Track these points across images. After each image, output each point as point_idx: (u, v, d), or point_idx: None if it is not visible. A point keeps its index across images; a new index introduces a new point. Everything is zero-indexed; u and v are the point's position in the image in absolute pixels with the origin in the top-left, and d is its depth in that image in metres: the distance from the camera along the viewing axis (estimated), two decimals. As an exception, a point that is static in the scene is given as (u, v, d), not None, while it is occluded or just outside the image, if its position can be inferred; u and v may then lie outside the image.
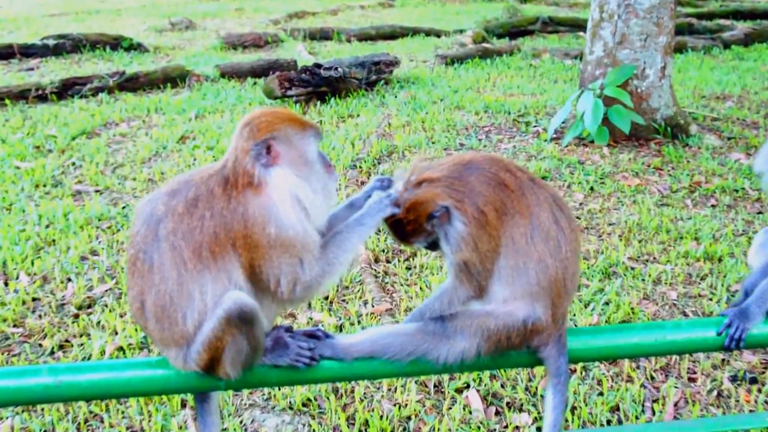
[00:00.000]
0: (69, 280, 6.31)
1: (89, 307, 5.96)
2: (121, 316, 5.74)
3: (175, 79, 13.36)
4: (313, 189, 2.55)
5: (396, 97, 12.07)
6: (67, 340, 5.49)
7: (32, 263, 6.53)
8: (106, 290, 6.20)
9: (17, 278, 6.33)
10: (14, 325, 5.67)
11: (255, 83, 13.27)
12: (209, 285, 2.36)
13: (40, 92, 12.24)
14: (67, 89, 12.50)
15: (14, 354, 5.32)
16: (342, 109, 11.35)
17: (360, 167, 8.71)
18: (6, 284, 6.23)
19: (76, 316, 5.80)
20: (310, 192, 2.53)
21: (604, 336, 2.76)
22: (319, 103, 11.71)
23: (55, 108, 11.76)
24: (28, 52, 16.16)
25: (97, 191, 8.40)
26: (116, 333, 5.51)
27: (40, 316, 5.78)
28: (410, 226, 2.63)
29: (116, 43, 16.93)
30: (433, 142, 9.55)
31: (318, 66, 12.09)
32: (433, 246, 2.66)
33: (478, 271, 2.59)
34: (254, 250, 2.41)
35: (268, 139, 2.50)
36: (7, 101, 11.85)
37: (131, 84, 13.01)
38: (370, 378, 2.96)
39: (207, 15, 23.46)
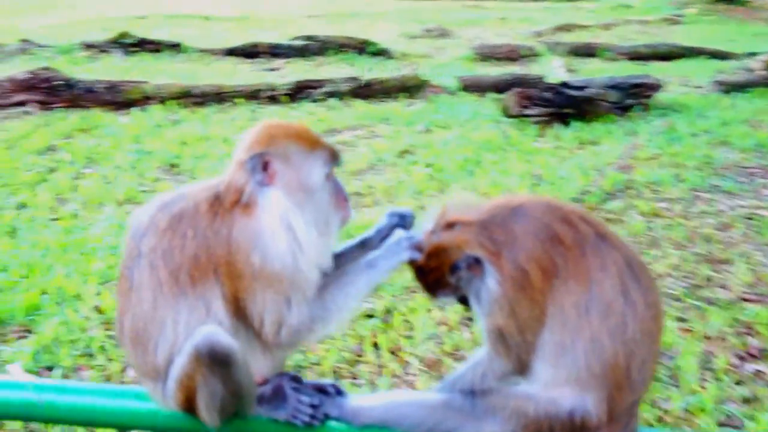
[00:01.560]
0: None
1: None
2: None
3: (411, 88, 13.58)
4: (310, 220, 2.31)
5: (650, 125, 11.37)
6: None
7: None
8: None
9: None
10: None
11: (496, 99, 13.16)
12: (184, 314, 2.20)
13: (272, 93, 12.98)
14: (299, 92, 13.14)
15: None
16: (584, 134, 10.87)
17: (584, 201, 8.26)
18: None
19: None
20: (304, 223, 2.30)
21: None
22: (559, 125, 11.33)
23: (283, 110, 12.39)
24: (274, 52, 17.30)
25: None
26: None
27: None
28: (432, 275, 2.33)
29: (362, 48, 17.62)
30: (680, 181, 8.84)
31: (564, 85, 11.72)
32: (467, 302, 2.34)
33: (516, 343, 2.22)
34: (237, 280, 2.22)
35: (266, 154, 2.31)
36: (238, 101, 12.68)
37: (365, 91, 13.41)
38: None
39: (466, 23, 23.79)
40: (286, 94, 12.99)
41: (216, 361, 2.13)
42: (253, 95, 12.94)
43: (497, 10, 27.20)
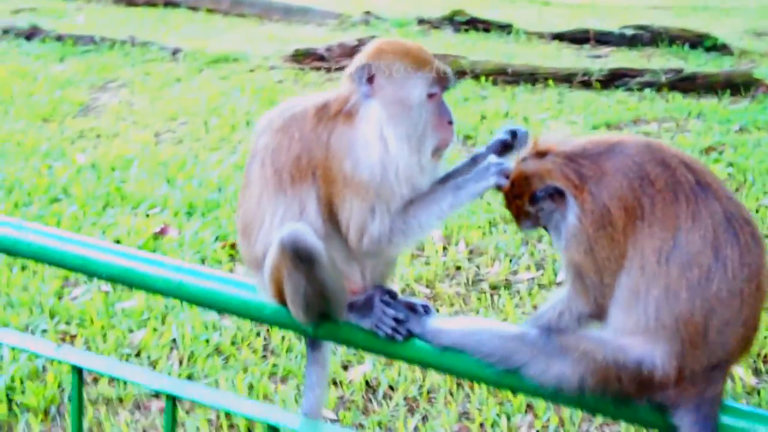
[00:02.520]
0: (498, 259, 6.62)
1: (505, 288, 6.19)
2: (517, 306, 5.84)
3: (738, 86, 12.70)
4: (403, 135, 2.34)
5: None
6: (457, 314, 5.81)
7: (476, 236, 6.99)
8: (529, 279, 6.36)
9: (456, 244, 6.86)
10: (426, 286, 6.19)
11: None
12: (281, 210, 2.33)
13: (585, 78, 12.81)
14: (614, 79, 12.82)
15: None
16: None
17: None
18: (444, 249, 6.81)
19: (483, 292, 6.09)
20: (397, 137, 2.33)
21: None
22: None
23: (593, 96, 12.21)
24: (602, 39, 16.96)
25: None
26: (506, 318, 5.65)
27: (452, 285, 6.21)
28: (515, 204, 2.26)
29: (698, 41, 16.71)
30: None
31: None
32: None
33: (593, 284, 2.09)
34: (331, 184, 2.31)
35: (371, 67, 2.36)
36: (550, 82, 12.68)
37: (685, 84, 12.76)
38: (456, 375, 2.60)
39: (827, 24, 21.63)
40: (600, 81, 12.75)
41: (299, 256, 2.27)
42: (566, 78, 12.86)
43: None
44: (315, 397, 2.69)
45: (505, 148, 2.55)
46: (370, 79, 2.42)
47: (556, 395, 2.15)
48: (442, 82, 2.47)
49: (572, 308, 2.21)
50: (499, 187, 2.35)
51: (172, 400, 2.52)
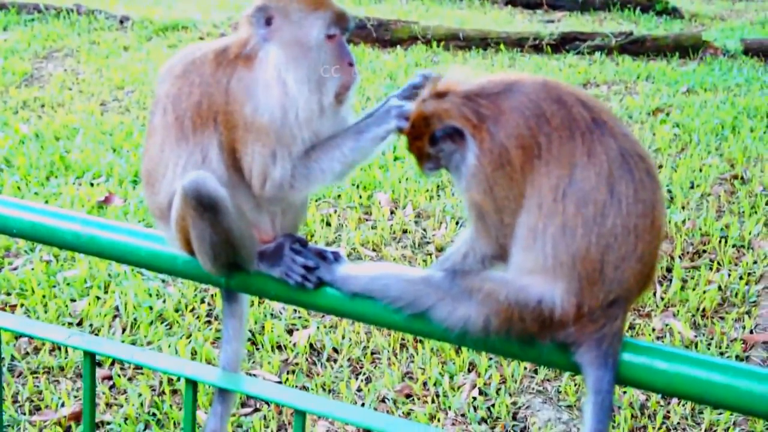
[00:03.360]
0: (445, 221, 6.63)
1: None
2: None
3: (687, 48, 12.80)
4: (303, 77, 2.32)
5: None
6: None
7: (423, 200, 7.00)
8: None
9: (404, 208, 6.86)
10: (373, 250, 6.19)
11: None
12: (184, 158, 2.31)
13: (537, 43, 12.83)
14: (565, 43, 12.87)
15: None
16: None
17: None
18: (392, 213, 6.80)
19: (429, 254, 6.11)
20: (296, 79, 2.31)
21: (678, 363, 2.01)
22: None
23: (544, 60, 12.24)
24: (555, 4, 17.00)
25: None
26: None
27: (398, 248, 6.21)
28: (415, 145, 2.25)
29: (649, 5, 16.80)
30: None
31: None
32: None
33: (494, 224, 2.11)
34: (233, 130, 2.29)
35: (269, 9, 2.35)
36: (502, 47, 12.68)
37: (635, 47, 12.84)
38: (366, 322, 2.59)
39: (777, -12, 21.86)
40: (550, 45, 12.79)
41: (202, 204, 2.23)
42: (518, 43, 12.88)
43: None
44: (233, 350, 2.67)
45: (417, 92, 2.51)
46: (268, 21, 2.38)
47: (463, 338, 2.15)
48: (340, 22, 2.42)
49: (476, 249, 2.22)
50: (400, 130, 2.34)
51: (91, 357, 2.50)
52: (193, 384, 2.45)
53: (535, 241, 2.08)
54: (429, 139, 2.24)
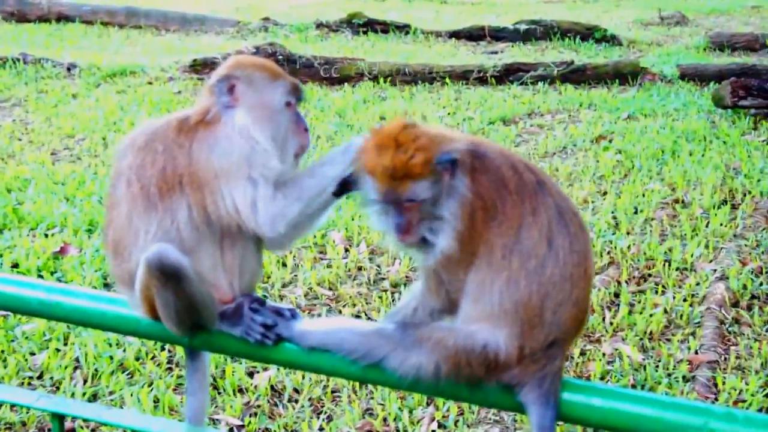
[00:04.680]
0: (398, 258, 6.76)
1: (405, 285, 6.33)
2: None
3: (626, 75, 13.20)
4: (270, 137, 2.48)
5: None
6: (359, 315, 5.93)
7: (376, 237, 7.13)
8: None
9: (358, 245, 6.99)
10: (329, 288, 6.29)
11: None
12: (154, 225, 2.43)
13: (481, 75, 13.12)
14: (509, 74, 13.18)
15: (317, 314, 5.93)
16: (806, 132, 10.13)
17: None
18: (346, 251, 6.92)
19: (384, 290, 6.23)
20: (265, 138, 2.47)
21: (612, 399, 2.20)
22: (779, 120, 10.61)
23: (489, 91, 12.52)
24: (497, 35, 17.40)
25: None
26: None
27: (354, 286, 6.33)
28: (413, 161, 2.26)
29: (588, 34, 17.26)
30: None
31: (790, 76, 10.94)
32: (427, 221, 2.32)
33: (448, 280, 2.27)
34: (201, 189, 2.42)
35: (232, 78, 2.50)
36: (447, 80, 12.93)
37: (577, 76, 13.20)
38: (324, 374, 2.75)
39: (711, 11, 22.60)
40: (495, 76, 13.08)
41: (165, 274, 2.35)
42: (463, 76, 13.15)
43: (752, -1, 25.48)
44: (197, 402, 2.77)
45: None
46: (231, 90, 2.52)
47: (416, 384, 2.29)
48: (296, 92, 2.60)
49: (425, 304, 2.36)
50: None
51: (59, 418, 2.57)
52: (160, 440, 2.54)
53: (482, 294, 2.25)
54: (426, 161, 2.27)
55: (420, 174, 2.27)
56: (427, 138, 2.32)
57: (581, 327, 2.36)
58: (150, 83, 12.53)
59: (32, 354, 5.31)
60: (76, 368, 5.19)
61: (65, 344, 5.40)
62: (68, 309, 2.58)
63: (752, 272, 6.34)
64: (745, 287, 6.13)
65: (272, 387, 5.03)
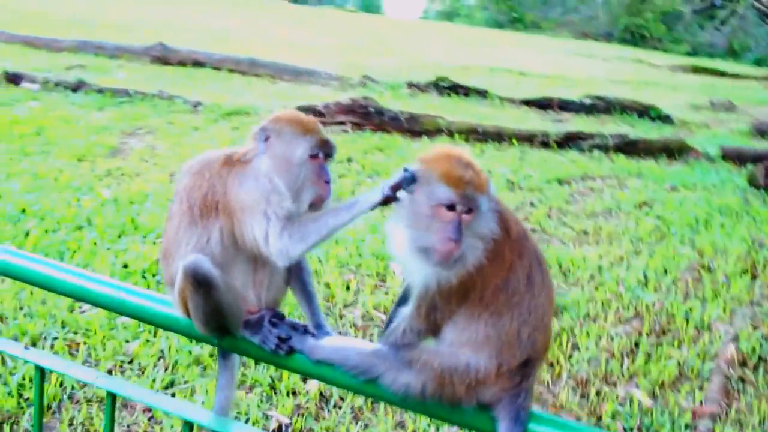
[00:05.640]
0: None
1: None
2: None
3: (673, 151, 12.96)
4: (285, 184, 2.50)
5: None
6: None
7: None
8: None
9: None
10: (384, 313, 6.30)
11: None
12: (194, 239, 2.50)
13: (544, 139, 13.03)
14: (569, 141, 13.07)
15: (370, 334, 5.94)
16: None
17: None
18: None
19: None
20: (282, 182, 2.50)
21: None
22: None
23: (550, 154, 12.42)
24: (564, 106, 17.27)
25: (532, 230, 8.72)
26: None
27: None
28: (482, 176, 2.25)
29: (645, 111, 17.01)
30: None
31: (821, 163, 10.55)
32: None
33: (440, 308, 2.25)
34: (231, 216, 2.48)
35: (267, 129, 2.55)
36: (514, 141, 12.89)
37: (630, 147, 13.01)
38: (329, 383, 2.71)
39: (758, 102, 22.01)
40: (557, 142, 12.99)
41: (197, 281, 2.42)
42: (528, 139, 13.10)
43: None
44: (224, 397, 2.81)
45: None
46: (267, 138, 2.59)
47: (405, 401, 2.30)
48: (323, 147, 2.60)
49: (412, 327, 2.35)
50: (387, 201, 2.35)
51: (112, 397, 2.66)
52: (189, 425, 2.60)
53: (470, 324, 2.25)
54: (487, 181, 2.27)
55: (485, 189, 2.26)
56: (484, 174, 2.33)
57: (548, 348, 2.41)
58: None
59: (126, 341, 5.47)
60: (159, 358, 5.32)
61: (154, 336, 5.55)
62: (126, 305, 2.68)
63: (763, 336, 6.09)
64: (753, 349, 5.90)
65: (321, 393, 5.05)
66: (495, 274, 2.25)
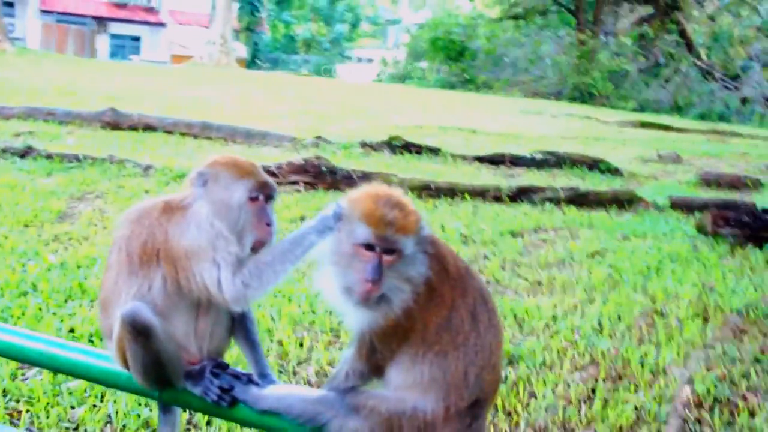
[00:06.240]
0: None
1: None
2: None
3: (623, 202, 13.20)
4: (226, 228, 2.48)
5: None
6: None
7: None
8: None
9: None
10: (339, 367, 6.22)
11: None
12: (134, 288, 2.45)
13: (496, 193, 13.20)
14: (521, 194, 13.25)
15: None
16: (775, 259, 9.96)
17: (748, 314, 7.54)
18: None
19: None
20: (224, 227, 2.47)
21: None
22: (755, 248, 10.45)
23: (502, 208, 12.56)
24: (515, 161, 17.55)
25: (486, 281, 8.74)
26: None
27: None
28: (409, 218, 2.23)
29: (595, 165, 17.36)
30: None
31: (765, 211, 10.85)
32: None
33: (380, 350, 2.22)
34: (173, 263, 2.44)
35: (204, 174, 2.54)
36: (467, 196, 13.03)
37: (580, 199, 13.24)
38: None
39: (704, 154, 22.62)
40: (509, 196, 13.15)
41: (136, 329, 2.36)
42: (481, 193, 13.24)
43: (741, 146, 25.51)
44: (167, 455, 2.74)
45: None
46: (205, 183, 2.56)
47: (357, 450, 2.24)
48: (263, 189, 2.59)
49: (354, 369, 2.33)
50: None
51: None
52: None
53: (414, 365, 2.22)
54: (415, 222, 2.26)
55: (411, 231, 2.24)
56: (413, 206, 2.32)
57: (497, 388, 2.38)
58: (213, 185, 12.78)
59: (72, 407, 5.29)
60: (107, 423, 5.15)
61: (101, 401, 5.37)
62: (62, 361, 2.60)
63: (717, 378, 6.13)
64: (709, 391, 5.93)
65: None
66: (435, 313, 2.23)
